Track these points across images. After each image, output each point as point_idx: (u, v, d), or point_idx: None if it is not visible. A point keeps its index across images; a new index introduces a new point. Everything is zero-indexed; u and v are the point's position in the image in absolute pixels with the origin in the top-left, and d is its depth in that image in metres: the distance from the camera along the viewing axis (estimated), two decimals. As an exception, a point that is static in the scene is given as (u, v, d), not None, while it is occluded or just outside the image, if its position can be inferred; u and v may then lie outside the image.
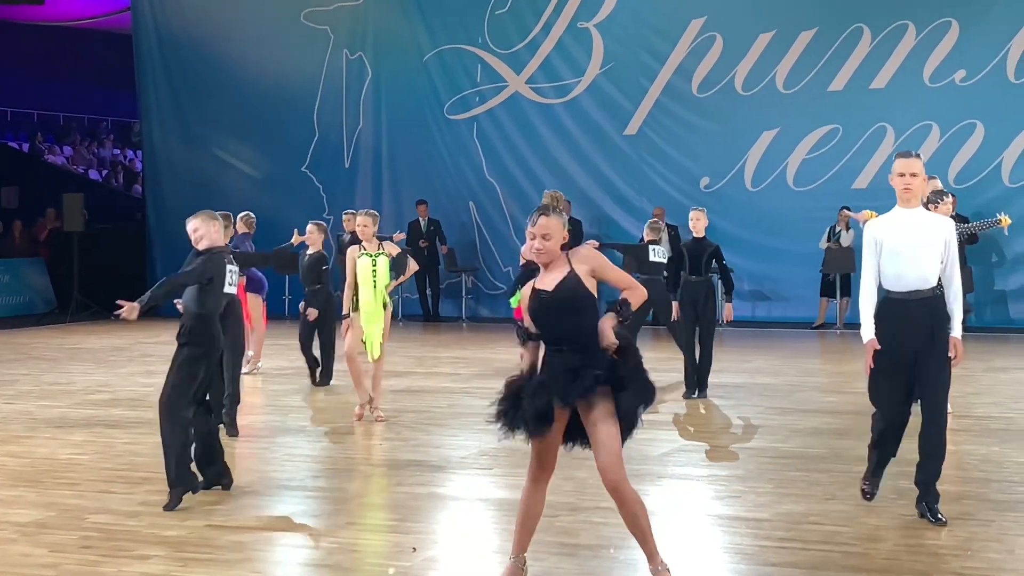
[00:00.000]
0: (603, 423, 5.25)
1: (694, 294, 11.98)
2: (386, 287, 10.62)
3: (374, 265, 10.58)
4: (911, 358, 6.64)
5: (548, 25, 22.36)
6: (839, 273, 19.81)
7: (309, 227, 13.47)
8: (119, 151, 30.59)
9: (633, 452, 9.11)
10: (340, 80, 23.73)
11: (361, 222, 10.76)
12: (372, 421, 10.52)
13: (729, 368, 14.37)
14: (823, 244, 20.01)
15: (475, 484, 8.15)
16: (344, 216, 17.45)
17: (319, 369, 13.17)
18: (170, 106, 24.88)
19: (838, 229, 19.97)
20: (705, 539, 6.68)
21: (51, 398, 12.14)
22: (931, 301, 6.67)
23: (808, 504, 7.25)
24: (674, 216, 21.22)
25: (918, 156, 6.80)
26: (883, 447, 6.99)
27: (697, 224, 12.02)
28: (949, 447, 9.17)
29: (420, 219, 22.23)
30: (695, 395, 11.91)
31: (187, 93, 24.67)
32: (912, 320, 6.63)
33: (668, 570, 5.40)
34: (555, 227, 5.38)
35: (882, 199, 22.12)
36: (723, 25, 21.20)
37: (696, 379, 12.04)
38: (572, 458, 8.72)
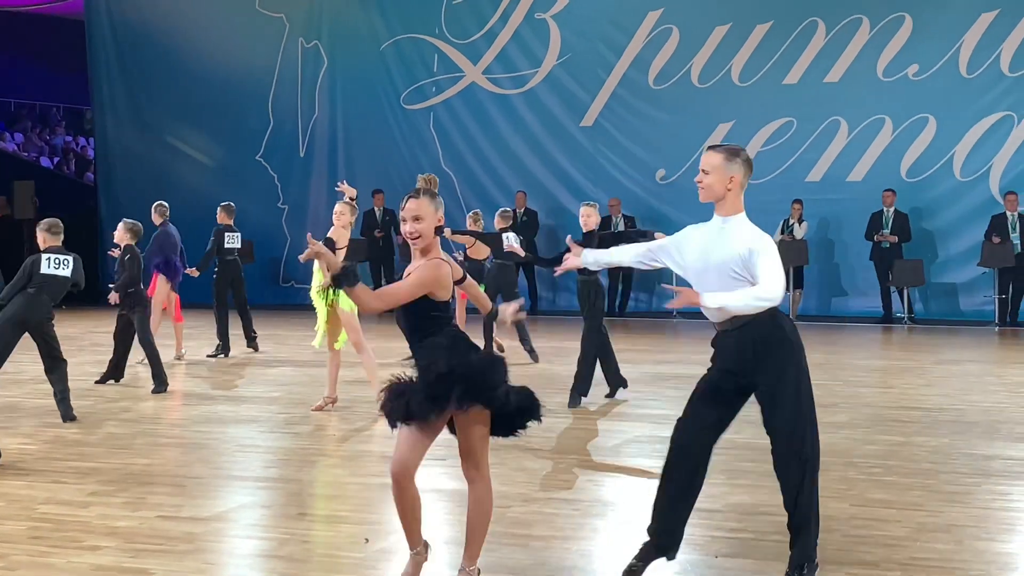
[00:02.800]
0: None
1: (581, 293, 11.17)
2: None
3: None
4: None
5: (505, 15, 22.36)
6: (792, 265, 19.93)
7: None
8: (71, 138, 30.28)
9: (586, 444, 9.14)
10: (296, 68, 23.63)
11: (339, 209, 10.71)
12: (329, 411, 10.50)
13: (683, 359, 14.44)
14: (776, 236, 20.11)
15: (428, 475, 8.12)
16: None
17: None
18: (123, 93, 24.68)
19: (791, 222, 20.10)
20: (657, 530, 6.69)
21: (0, 388, 12.02)
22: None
23: (760, 495, 7.28)
24: (630, 208, 21.30)
25: (716, 150, 5.62)
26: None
27: (588, 220, 10.97)
28: (899, 438, 9.28)
29: (375, 209, 22.17)
30: (605, 396, 11.38)
31: (140, 80, 24.48)
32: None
33: (424, 552, 5.40)
34: (425, 209, 5.18)
35: (835, 191, 22.46)
36: (679, 18, 21.28)
37: (573, 383, 11.07)
38: (525, 449, 8.76)
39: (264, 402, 11.41)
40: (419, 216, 5.17)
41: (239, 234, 15.63)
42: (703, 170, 5.56)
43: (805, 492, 5.44)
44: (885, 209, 19.67)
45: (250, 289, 16.47)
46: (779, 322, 5.47)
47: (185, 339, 15.06)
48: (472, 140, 22.63)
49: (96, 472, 8.06)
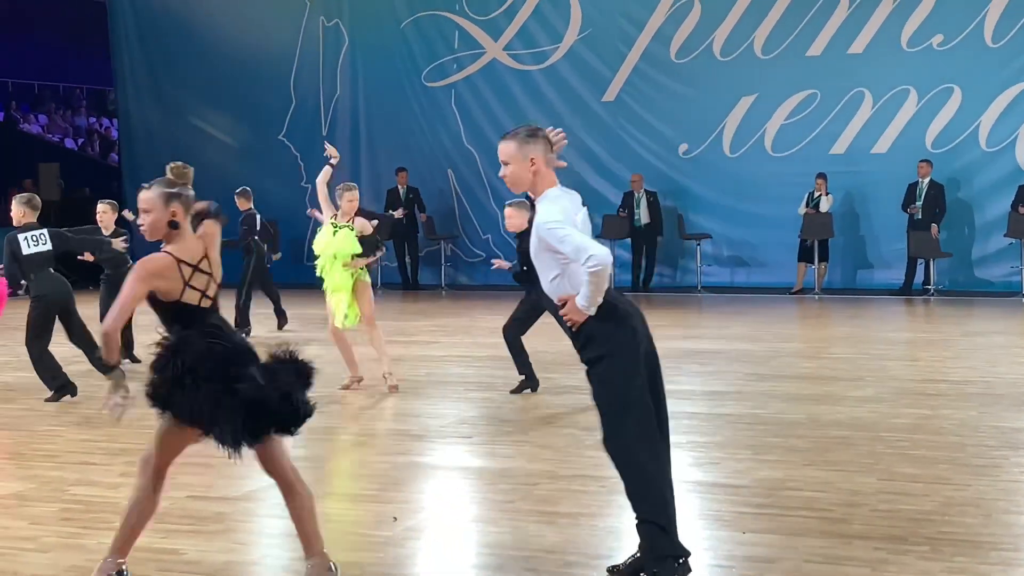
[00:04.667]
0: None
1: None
2: (349, 261, 10.46)
3: (334, 235, 10.52)
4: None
5: (526, -9, 22.29)
6: (817, 238, 19.86)
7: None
8: (95, 119, 30.39)
9: (612, 419, 9.14)
10: (317, 47, 23.63)
11: (349, 197, 10.63)
12: (356, 390, 10.53)
13: (707, 334, 14.42)
14: (802, 210, 20.04)
15: (455, 453, 8.17)
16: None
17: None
18: (145, 73, 24.74)
19: (816, 194, 20.01)
20: (683, 506, 6.68)
21: (29, 369, 12.07)
22: None
23: (786, 470, 7.29)
24: (653, 183, 21.25)
25: (508, 138, 5.36)
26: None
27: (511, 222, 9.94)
28: (926, 411, 9.25)
29: (399, 187, 22.19)
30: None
31: (162, 60, 24.53)
32: None
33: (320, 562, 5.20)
34: (153, 202, 5.08)
35: (860, 164, 22.30)
36: (701, -10, 21.17)
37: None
38: (550, 425, 8.77)
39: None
40: (147, 209, 5.10)
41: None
42: (503, 162, 5.30)
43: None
44: (920, 180, 19.45)
45: (275, 268, 16.55)
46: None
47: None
48: (494, 117, 22.59)
49: (125, 453, 8.10)
